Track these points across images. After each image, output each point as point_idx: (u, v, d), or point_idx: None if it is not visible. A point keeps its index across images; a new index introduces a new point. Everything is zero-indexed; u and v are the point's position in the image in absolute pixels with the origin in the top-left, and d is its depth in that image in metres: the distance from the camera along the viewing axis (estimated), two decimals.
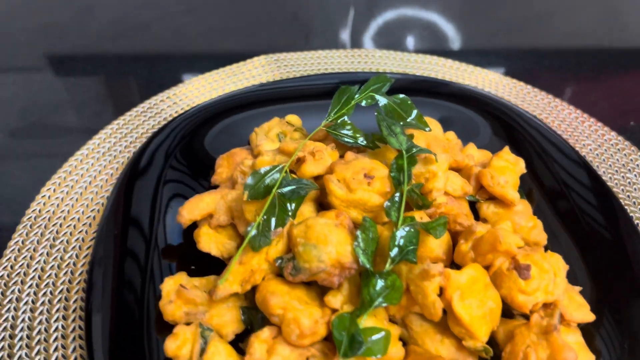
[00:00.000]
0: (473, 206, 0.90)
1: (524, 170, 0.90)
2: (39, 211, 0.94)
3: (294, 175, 0.81)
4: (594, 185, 0.91)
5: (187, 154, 0.99)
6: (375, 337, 0.63)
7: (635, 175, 1.02)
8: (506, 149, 0.90)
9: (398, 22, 1.42)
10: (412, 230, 0.69)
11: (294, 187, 0.75)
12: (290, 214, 0.74)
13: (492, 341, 0.72)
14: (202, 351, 0.67)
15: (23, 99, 1.20)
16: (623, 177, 1.02)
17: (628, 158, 1.05)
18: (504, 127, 1.06)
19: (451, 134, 1.01)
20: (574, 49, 1.37)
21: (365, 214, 0.76)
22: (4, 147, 1.09)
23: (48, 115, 1.16)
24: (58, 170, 1.01)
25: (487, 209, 0.88)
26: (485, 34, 1.43)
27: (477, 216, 0.89)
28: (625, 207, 0.96)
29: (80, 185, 0.98)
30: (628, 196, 0.98)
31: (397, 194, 0.73)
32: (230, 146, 0.98)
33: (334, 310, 0.68)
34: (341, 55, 1.28)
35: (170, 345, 0.68)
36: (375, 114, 0.83)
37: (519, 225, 0.84)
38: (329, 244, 0.68)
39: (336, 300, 0.69)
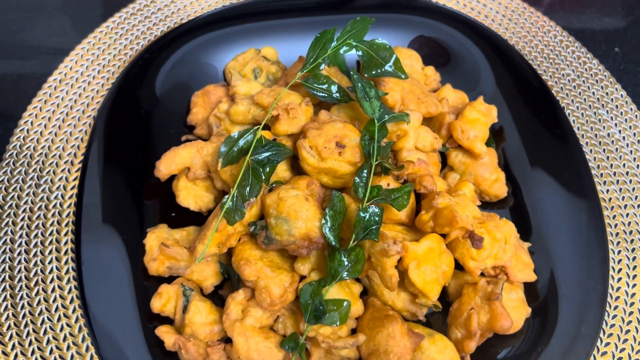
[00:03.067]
0: (442, 154, 0.93)
1: (496, 120, 0.91)
2: (19, 147, 0.96)
3: (268, 133, 0.83)
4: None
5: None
6: (337, 306, 0.72)
7: (607, 111, 1.04)
8: (480, 99, 0.90)
9: None
10: (377, 209, 0.73)
11: (268, 154, 0.77)
12: (264, 180, 0.78)
13: (444, 292, 0.82)
14: (185, 308, 0.76)
15: None
16: (595, 113, 1.04)
17: (604, 91, 1.06)
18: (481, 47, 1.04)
19: (429, 69, 1.00)
20: None
21: (336, 180, 0.80)
22: None
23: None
24: (37, 93, 1.01)
25: (455, 157, 0.92)
26: None
27: (445, 162, 0.93)
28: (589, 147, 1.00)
29: (62, 111, 0.99)
30: (595, 135, 1.01)
31: (365, 170, 0.76)
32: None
33: (302, 277, 0.76)
34: None
35: (156, 303, 0.77)
36: (351, 73, 0.82)
37: (482, 178, 0.89)
38: (299, 219, 0.73)
39: (304, 267, 0.76)
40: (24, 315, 0.82)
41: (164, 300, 0.76)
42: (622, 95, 1.05)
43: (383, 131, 0.78)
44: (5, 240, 0.87)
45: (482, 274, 0.80)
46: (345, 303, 0.72)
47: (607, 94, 1.06)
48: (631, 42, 1.15)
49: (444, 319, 0.81)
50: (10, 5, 1.14)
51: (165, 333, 0.74)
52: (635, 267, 0.89)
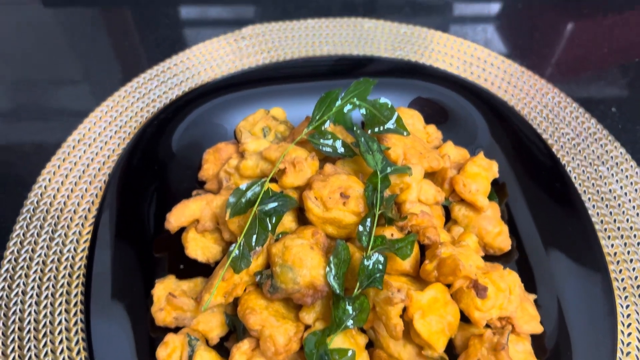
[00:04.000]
0: (446, 208, 0.95)
1: (497, 175, 0.94)
2: (37, 202, 0.99)
3: (275, 185, 0.86)
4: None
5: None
6: (341, 355, 0.71)
7: (608, 168, 1.06)
8: (481, 154, 0.93)
9: None
10: (381, 257, 0.74)
11: (275, 204, 0.80)
12: (270, 230, 0.80)
13: (450, 345, 0.81)
14: (190, 358, 0.76)
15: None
16: (596, 170, 1.06)
17: (604, 149, 1.09)
18: (482, 111, 1.09)
19: (431, 128, 1.04)
20: None
21: (340, 230, 0.82)
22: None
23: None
24: (57, 152, 1.06)
25: (458, 210, 0.93)
26: None
27: (449, 216, 0.95)
28: (591, 202, 1.01)
29: (79, 169, 1.04)
30: (597, 191, 1.03)
31: (369, 219, 0.78)
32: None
33: (307, 326, 0.76)
34: (330, 26, 1.27)
35: (162, 353, 0.77)
36: (354, 128, 0.86)
37: (486, 231, 0.90)
38: (304, 267, 0.75)
39: (309, 317, 0.76)
40: None
41: (169, 350, 0.76)
42: (621, 153, 1.08)
43: (386, 182, 0.81)
44: (17, 292, 0.89)
45: (488, 326, 0.80)
46: (350, 352, 0.72)
47: (607, 151, 1.08)
48: (628, 102, 1.19)
49: None
50: (37, 78, 1.22)
51: None
52: None
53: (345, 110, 0.90)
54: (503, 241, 0.90)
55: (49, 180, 1.02)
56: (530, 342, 0.81)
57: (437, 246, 0.79)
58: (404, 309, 0.75)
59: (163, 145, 1.00)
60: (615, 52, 1.25)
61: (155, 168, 0.98)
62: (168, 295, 0.80)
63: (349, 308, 0.73)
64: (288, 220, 0.85)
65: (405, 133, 0.91)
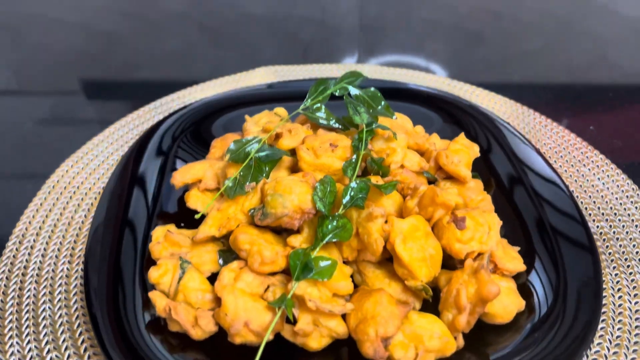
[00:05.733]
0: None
1: (478, 154, 1.01)
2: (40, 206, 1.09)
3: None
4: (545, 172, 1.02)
5: (193, 138, 1.15)
6: (323, 263, 0.74)
7: (589, 170, 1.12)
8: (462, 135, 1.02)
9: (393, 64, 1.55)
10: (364, 183, 0.81)
11: (269, 152, 0.89)
12: (264, 175, 0.87)
13: (437, 289, 0.83)
14: (180, 279, 0.79)
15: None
16: (577, 170, 1.12)
17: (584, 155, 1.16)
18: (458, 124, 1.19)
19: (419, 127, 1.14)
20: (562, 84, 1.49)
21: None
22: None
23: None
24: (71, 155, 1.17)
25: (443, 186, 0.99)
26: (474, 72, 1.56)
27: None
28: (578, 197, 1.06)
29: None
30: (580, 186, 1.09)
31: (354, 156, 0.85)
32: None
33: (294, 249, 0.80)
34: (333, 69, 1.44)
35: (153, 273, 0.80)
36: (344, 98, 0.97)
37: (470, 199, 0.95)
38: (293, 193, 0.81)
39: (296, 240, 0.80)
40: None
41: (161, 271, 0.80)
42: (601, 158, 1.15)
43: (371, 133, 0.90)
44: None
45: None
46: (331, 261, 0.75)
47: (587, 157, 1.15)
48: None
49: (437, 313, 0.80)
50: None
51: (157, 296, 0.76)
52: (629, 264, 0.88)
53: (336, 93, 1.02)
54: (486, 205, 0.94)
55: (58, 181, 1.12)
56: (514, 283, 0.82)
57: (417, 189, 0.85)
58: (387, 242, 0.78)
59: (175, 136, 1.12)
60: None
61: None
62: (167, 232, 0.85)
63: (333, 224, 0.77)
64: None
65: (393, 117, 1.01)
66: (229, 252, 0.85)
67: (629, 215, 1.01)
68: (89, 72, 1.54)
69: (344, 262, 0.82)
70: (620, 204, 1.04)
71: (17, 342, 0.80)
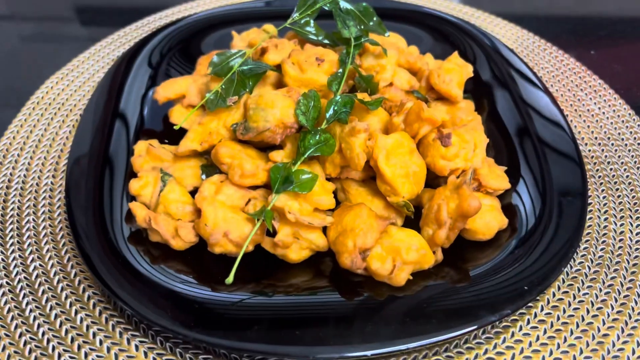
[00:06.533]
0: None
1: (471, 74, 0.98)
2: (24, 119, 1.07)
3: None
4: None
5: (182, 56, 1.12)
6: (303, 176, 0.73)
7: (586, 94, 1.09)
8: (455, 54, 0.98)
9: None
10: (348, 98, 0.78)
11: (252, 66, 0.86)
12: (248, 89, 0.85)
13: (420, 208, 0.82)
14: (161, 191, 0.79)
15: None
16: (574, 95, 1.09)
17: (582, 80, 1.13)
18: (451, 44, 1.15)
19: (413, 48, 1.10)
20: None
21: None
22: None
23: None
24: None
25: (435, 107, 0.97)
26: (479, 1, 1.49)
27: None
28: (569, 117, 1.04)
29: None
30: (575, 110, 1.06)
31: (340, 70, 0.82)
32: None
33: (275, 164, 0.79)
34: None
35: (134, 185, 0.80)
36: (333, 12, 0.93)
37: (460, 119, 0.93)
38: (275, 107, 0.78)
39: (279, 155, 0.79)
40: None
41: (142, 183, 0.79)
42: (599, 83, 1.11)
43: (358, 47, 0.86)
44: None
45: None
46: (312, 174, 0.74)
47: (585, 82, 1.12)
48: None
49: (419, 230, 0.80)
50: None
51: (137, 207, 0.76)
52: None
53: (326, 7, 0.97)
54: (476, 125, 0.92)
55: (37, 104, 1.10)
56: (498, 202, 0.81)
57: (404, 105, 0.83)
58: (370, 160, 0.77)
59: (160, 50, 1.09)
60: None
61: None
62: (149, 145, 0.84)
63: (315, 138, 0.76)
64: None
65: (385, 34, 0.97)
66: (212, 167, 0.84)
67: (622, 139, 1.00)
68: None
69: (327, 179, 0.81)
70: (615, 128, 1.02)
71: (0, 252, 0.81)
